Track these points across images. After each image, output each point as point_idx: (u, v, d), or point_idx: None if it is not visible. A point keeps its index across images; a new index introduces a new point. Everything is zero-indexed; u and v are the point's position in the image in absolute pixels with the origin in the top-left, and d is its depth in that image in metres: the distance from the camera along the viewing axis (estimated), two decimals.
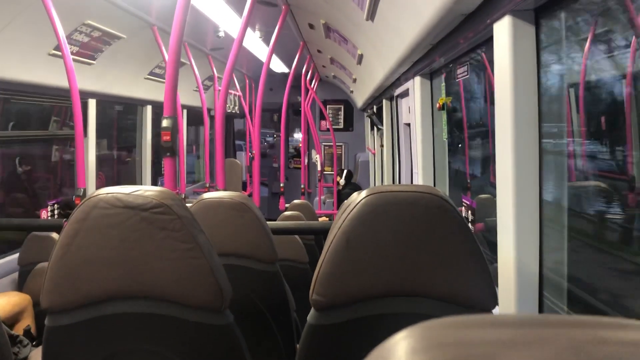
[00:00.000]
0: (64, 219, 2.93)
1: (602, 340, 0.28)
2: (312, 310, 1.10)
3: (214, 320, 1.08)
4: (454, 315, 0.33)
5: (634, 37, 1.28)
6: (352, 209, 1.06)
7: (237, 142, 10.35)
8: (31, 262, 2.91)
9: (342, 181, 7.70)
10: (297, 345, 1.93)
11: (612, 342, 0.28)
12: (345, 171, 7.94)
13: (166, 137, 1.91)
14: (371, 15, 2.81)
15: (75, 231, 1.04)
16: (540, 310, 1.53)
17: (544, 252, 1.52)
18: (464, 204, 2.36)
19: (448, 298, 1.06)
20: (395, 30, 2.63)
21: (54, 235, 2.98)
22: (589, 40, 1.43)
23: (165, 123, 1.93)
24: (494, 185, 2.56)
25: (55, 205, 3.65)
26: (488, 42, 1.97)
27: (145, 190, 1.06)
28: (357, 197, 1.08)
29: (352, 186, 7.61)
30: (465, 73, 2.38)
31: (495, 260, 1.71)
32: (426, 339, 0.30)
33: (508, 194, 1.54)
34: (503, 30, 1.53)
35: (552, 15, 1.45)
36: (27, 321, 2.50)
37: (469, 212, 2.27)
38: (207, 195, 1.78)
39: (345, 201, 1.18)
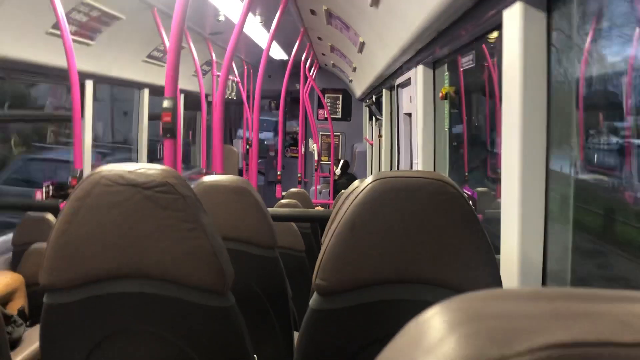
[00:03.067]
0: (60, 200, 2.90)
1: None
2: (314, 295, 1.09)
3: (216, 303, 1.07)
4: None
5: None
6: (358, 194, 1.05)
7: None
8: (25, 243, 2.89)
9: (338, 171, 7.69)
10: (294, 332, 1.92)
11: None
12: (341, 161, 7.92)
13: (167, 118, 1.87)
14: (375, 1, 2.78)
15: (76, 208, 1.02)
16: None
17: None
18: (464, 194, 2.34)
19: (453, 286, 1.04)
20: (400, 17, 2.60)
21: (50, 216, 2.96)
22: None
23: (166, 104, 1.89)
24: (490, 179, 2.55)
25: (51, 186, 3.62)
26: (493, 31, 1.95)
27: (148, 168, 1.04)
28: (364, 182, 1.06)
29: (348, 176, 7.61)
30: (470, 62, 2.36)
31: (497, 252, 1.70)
32: (464, 311, 0.29)
33: (513, 186, 1.52)
34: (513, 17, 1.50)
35: (565, 2, 1.42)
36: (20, 301, 2.47)
37: (470, 202, 2.26)
38: (208, 178, 1.76)
39: (346, 189, 1.16)
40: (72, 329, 1.06)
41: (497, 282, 1.07)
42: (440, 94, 2.76)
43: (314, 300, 1.08)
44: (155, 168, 1.04)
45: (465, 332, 0.27)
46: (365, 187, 1.04)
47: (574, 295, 0.29)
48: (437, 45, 2.51)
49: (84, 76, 3.89)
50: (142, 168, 1.04)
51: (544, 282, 1.50)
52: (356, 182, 1.11)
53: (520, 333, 0.26)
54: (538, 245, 1.50)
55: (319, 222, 3.24)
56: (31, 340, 2.21)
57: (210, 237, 1.04)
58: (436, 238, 1.03)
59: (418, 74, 3.06)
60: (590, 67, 1.46)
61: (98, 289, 1.04)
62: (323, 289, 1.06)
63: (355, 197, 1.05)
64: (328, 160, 8.48)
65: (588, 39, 1.44)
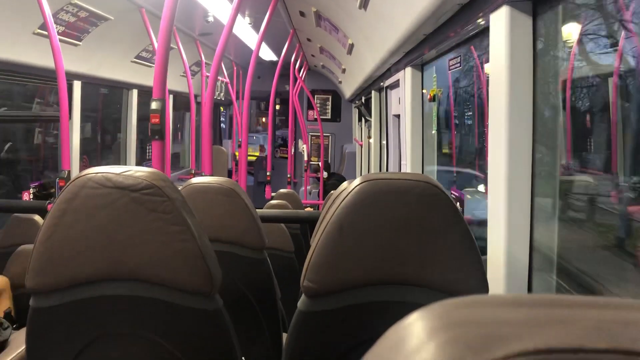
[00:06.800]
0: (47, 201, 2.88)
1: (629, 321, 0.27)
2: (302, 297, 1.09)
3: (203, 305, 1.06)
4: None
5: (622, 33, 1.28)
6: (346, 196, 1.05)
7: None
8: (12, 244, 2.86)
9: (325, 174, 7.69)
10: (283, 333, 1.92)
11: None
12: (320, 163, 7.89)
13: (155, 120, 1.87)
14: (364, 4, 2.79)
15: (63, 211, 1.02)
16: None
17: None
18: (452, 195, 2.36)
19: (440, 287, 1.05)
20: (389, 19, 2.61)
21: (37, 217, 2.93)
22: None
23: (154, 105, 1.89)
24: (480, 179, 2.58)
25: (38, 187, 3.60)
26: (481, 34, 1.96)
27: (136, 170, 1.04)
28: (351, 184, 1.07)
29: (338, 177, 7.62)
30: (458, 65, 2.37)
31: (483, 253, 1.71)
32: (444, 317, 0.29)
33: (500, 186, 1.53)
34: (500, 21, 1.52)
35: (550, 7, 1.44)
36: (6, 304, 2.45)
37: (457, 204, 2.27)
38: (196, 180, 1.75)
39: (336, 190, 1.17)
40: (58, 332, 1.06)
41: (483, 283, 1.07)
42: (429, 96, 2.78)
43: (301, 302, 1.09)
44: (142, 170, 1.04)
45: (443, 339, 0.27)
46: (353, 189, 1.05)
47: (550, 301, 0.30)
48: (425, 48, 2.53)
49: (72, 77, 3.86)
50: (129, 170, 1.04)
51: (529, 283, 1.52)
52: (345, 184, 1.11)
53: (497, 340, 0.26)
54: (524, 246, 1.51)
55: (308, 223, 3.25)
56: (18, 343, 2.19)
57: (197, 240, 1.04)
58: (423, 240, 1.04)
59: (406, 76, 3.08)
60: (577, 70, 1.48)
61: (84, 291, 1.04)
62: (311, 290, 1.06)
63: (343, 199, 1.05)
64: (318, 161, 8.48)
65: (575, 42, 1.46)
